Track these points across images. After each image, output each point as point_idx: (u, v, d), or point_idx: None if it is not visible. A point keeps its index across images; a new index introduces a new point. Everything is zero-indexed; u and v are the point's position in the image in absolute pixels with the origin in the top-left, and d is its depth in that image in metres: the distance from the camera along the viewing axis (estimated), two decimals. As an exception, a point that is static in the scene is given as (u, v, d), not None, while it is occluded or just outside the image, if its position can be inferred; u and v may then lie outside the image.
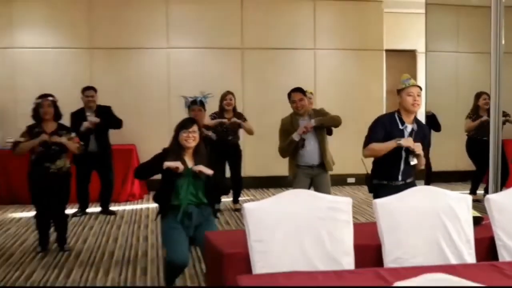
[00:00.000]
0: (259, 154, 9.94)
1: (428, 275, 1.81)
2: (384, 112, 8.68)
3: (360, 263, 3.29)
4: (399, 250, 3.37)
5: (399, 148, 4.87)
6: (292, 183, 6.70)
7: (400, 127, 4.96)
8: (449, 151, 7.72)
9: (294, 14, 10.94)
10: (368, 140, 5.04)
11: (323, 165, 6.59)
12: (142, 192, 10.09)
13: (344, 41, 11.06)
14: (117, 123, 8.69)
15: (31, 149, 6.48)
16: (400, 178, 5.03)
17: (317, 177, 6.61)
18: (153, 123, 10.05)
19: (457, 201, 3.52)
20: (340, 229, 3.32)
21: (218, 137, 7.89)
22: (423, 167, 5.18)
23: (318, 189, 6.52)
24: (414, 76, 5.28)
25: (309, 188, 6.58)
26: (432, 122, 7.81)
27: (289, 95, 6.71)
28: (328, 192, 6.59)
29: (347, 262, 3.28)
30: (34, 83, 9.43)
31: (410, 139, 4.86)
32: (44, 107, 6.53)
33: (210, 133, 7.42)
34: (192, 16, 10.77)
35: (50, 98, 6.59)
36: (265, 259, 3.16)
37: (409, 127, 4.97)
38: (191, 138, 4.99)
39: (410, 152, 4.89)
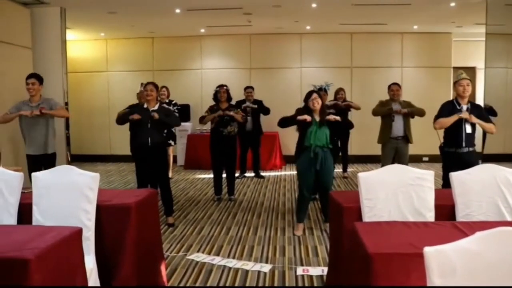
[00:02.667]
0: (361, 138, 9.73)
1: (501, 228, 1.63)
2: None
3: (439, 217, 3.09)
4: (468, 209, 3.14)
5: (460, 121, 4.72)
6: (382, 150, 6.49)
7: (458, 107, 4.82)
8: (499, 139, 7.17)
9: (387, 43, 10.58)
10: (437, 116, 4.93)
11: (406, 138, 6.33)
12: (281, 163, 10.12)
13: (423, 61, 10.58)
14: (266, 111, 8.62)
15: (212, 119, 6.65)
16: (464, 145, 4.79)
17: (400, 147, 6.35)
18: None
19: None
20: (425, 192, 3.12)
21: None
22: (494, 130, 4.87)
23: (400, 157, 6.30)
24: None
25: (393, 157, 6.37)
26: (490, 110, 7.32)
27: (389, 86, 6.52)
28: (406, 160, 6.35)
29: (430, 216, 3.10)
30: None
31: (466, 112, 4.72)
32: (221, 93, 6.70)
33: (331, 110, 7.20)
34: (317, 46, 10.64)
35: (225, 87, 6.76)
36: (372, 211, 3.04)
37: (464, 107, 4.81)
38: (316, 102, 4.99)
39: (466, 121, 4.72)
